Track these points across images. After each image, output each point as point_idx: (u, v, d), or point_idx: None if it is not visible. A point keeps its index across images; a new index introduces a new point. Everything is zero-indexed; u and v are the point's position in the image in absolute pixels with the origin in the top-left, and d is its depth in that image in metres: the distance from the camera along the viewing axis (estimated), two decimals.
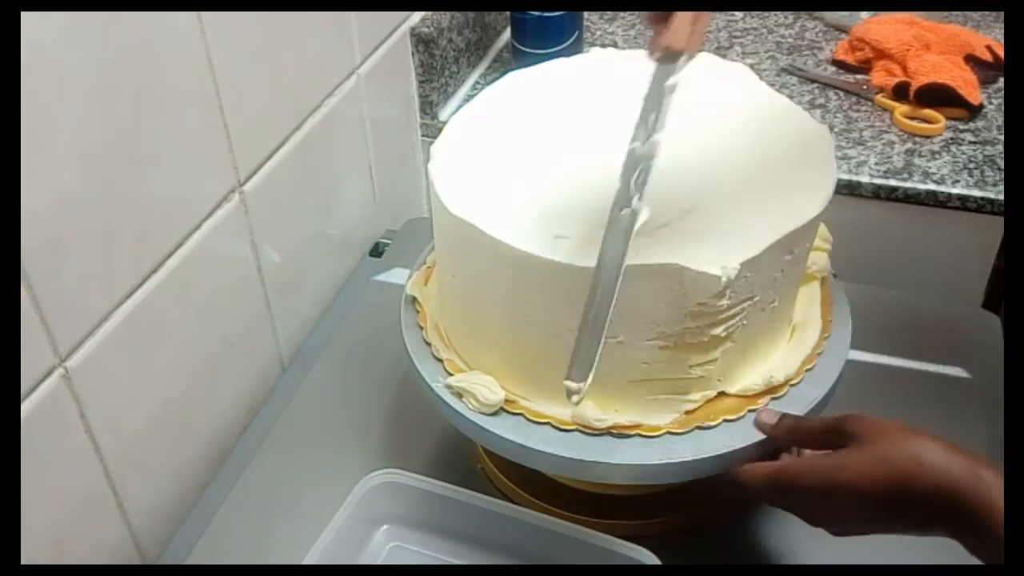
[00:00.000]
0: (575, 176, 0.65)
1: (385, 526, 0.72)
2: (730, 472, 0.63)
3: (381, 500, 0.71)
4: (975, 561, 0.52)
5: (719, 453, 0.62)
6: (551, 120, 0.71)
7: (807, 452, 0.62)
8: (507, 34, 1.22)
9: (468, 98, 1.17)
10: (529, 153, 0.68)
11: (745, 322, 0.62)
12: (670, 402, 0.64)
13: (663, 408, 0.64)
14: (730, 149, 0.68)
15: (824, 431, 0.59)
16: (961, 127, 1.09)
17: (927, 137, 1.08)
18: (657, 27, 0.58)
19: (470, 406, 0.66)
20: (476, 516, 0.69)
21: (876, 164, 1.04)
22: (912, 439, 0.54)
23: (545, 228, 0.61)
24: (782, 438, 0.62)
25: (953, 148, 1.06)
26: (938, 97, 1.09)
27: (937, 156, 1.05)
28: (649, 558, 0.65)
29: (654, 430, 0.63)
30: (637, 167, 0.57)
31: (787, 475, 0.59)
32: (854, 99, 1.15)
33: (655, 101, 0.58)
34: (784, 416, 0.62)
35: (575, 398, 0.55)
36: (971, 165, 1.03)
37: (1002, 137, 1.07)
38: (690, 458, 0.62)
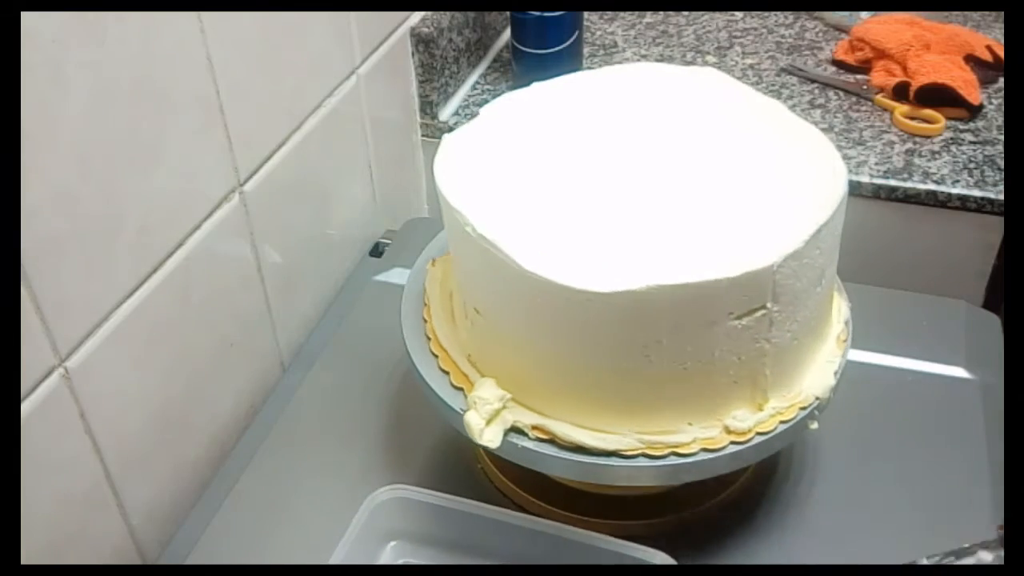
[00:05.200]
0: (592, 193, 0.64)
1: (393, 542, 0.71)
2: None
3: (388, 516, 0.69)
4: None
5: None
6: (562, 136, 0.69)
7: None
8: (507, 34, 1.21)
9: (468, 98, 1.17)
10: (544, 170, 0.67)
11: None
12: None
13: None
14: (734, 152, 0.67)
15: None
16: (961, 127, 1.09)
17: (927, 137, 1.08)
18: None
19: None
20: (485, 527, 0.68)
21: (876, 164, 1.04)
22: None
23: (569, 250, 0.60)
24: None
25: (953, 148, 1.06)
26: (938, 97, 1.09)
27: (937, 156, 1.05)
28: (664, 560, 0.64)
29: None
30: None
31: None
32: (854, 99, 1.15)
33: None
34: None
35: None
36: (971, 165, 1.03)
37: (1002, 137, 1.07)
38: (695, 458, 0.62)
